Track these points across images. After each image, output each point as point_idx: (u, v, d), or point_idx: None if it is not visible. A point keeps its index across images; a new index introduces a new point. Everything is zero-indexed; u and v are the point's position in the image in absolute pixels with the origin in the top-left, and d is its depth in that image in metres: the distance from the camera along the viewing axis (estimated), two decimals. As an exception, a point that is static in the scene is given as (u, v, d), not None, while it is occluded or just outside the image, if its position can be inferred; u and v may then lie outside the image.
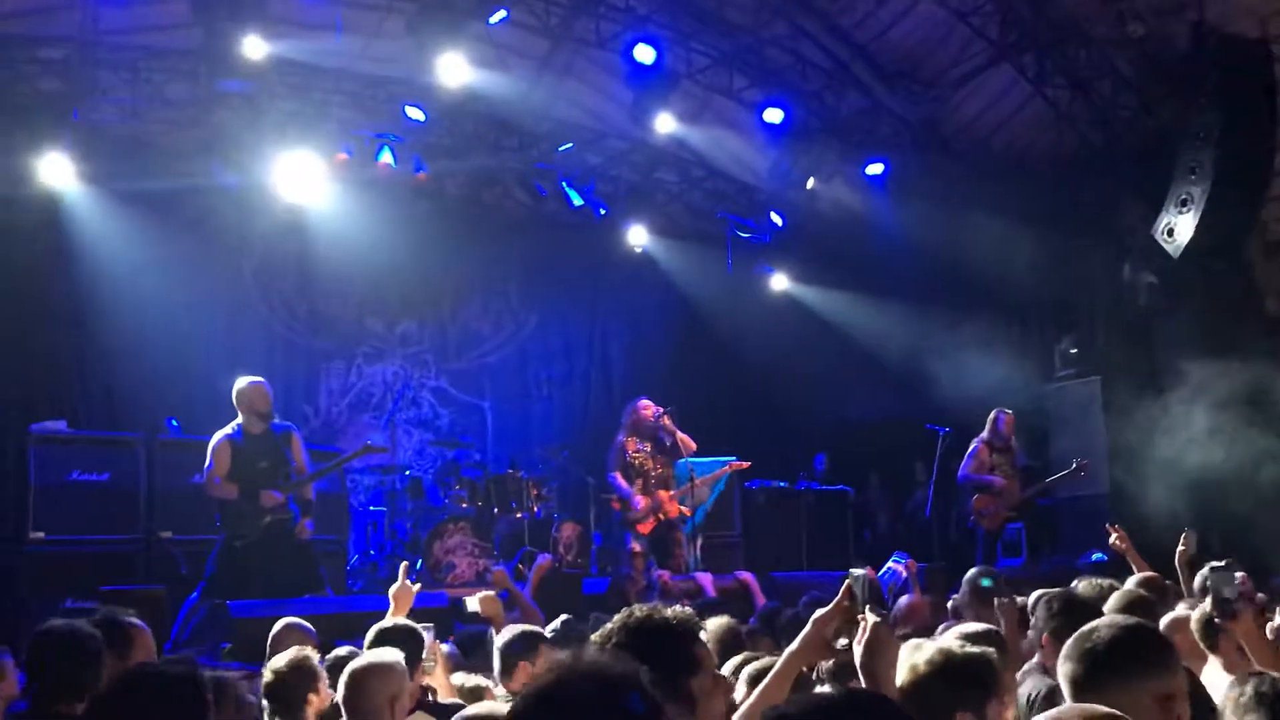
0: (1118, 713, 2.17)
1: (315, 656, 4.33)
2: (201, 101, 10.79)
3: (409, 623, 4.78)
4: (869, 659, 2.57)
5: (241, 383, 8.47)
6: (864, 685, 2.58)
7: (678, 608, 2.62)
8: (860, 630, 2.63)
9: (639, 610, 2.59)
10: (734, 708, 2.84)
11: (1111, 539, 7.04)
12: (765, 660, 3.33)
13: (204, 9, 8.91)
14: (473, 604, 5.58)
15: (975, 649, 2.90)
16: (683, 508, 9.87)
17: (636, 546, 9.56)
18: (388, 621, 4.77)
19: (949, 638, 3.11)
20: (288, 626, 5.43)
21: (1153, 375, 10.31)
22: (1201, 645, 4.12)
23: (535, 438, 13.61)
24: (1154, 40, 10.60)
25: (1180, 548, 6.66)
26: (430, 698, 4.53)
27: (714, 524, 11.35)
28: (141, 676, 2.92)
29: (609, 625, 2.57)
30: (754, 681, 2.97)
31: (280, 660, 4.25)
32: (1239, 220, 10.42)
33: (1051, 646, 3.67)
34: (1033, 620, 4.31)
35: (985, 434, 10.82)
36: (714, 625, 4.50)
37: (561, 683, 1.83)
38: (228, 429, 8.33)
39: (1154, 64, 10.86)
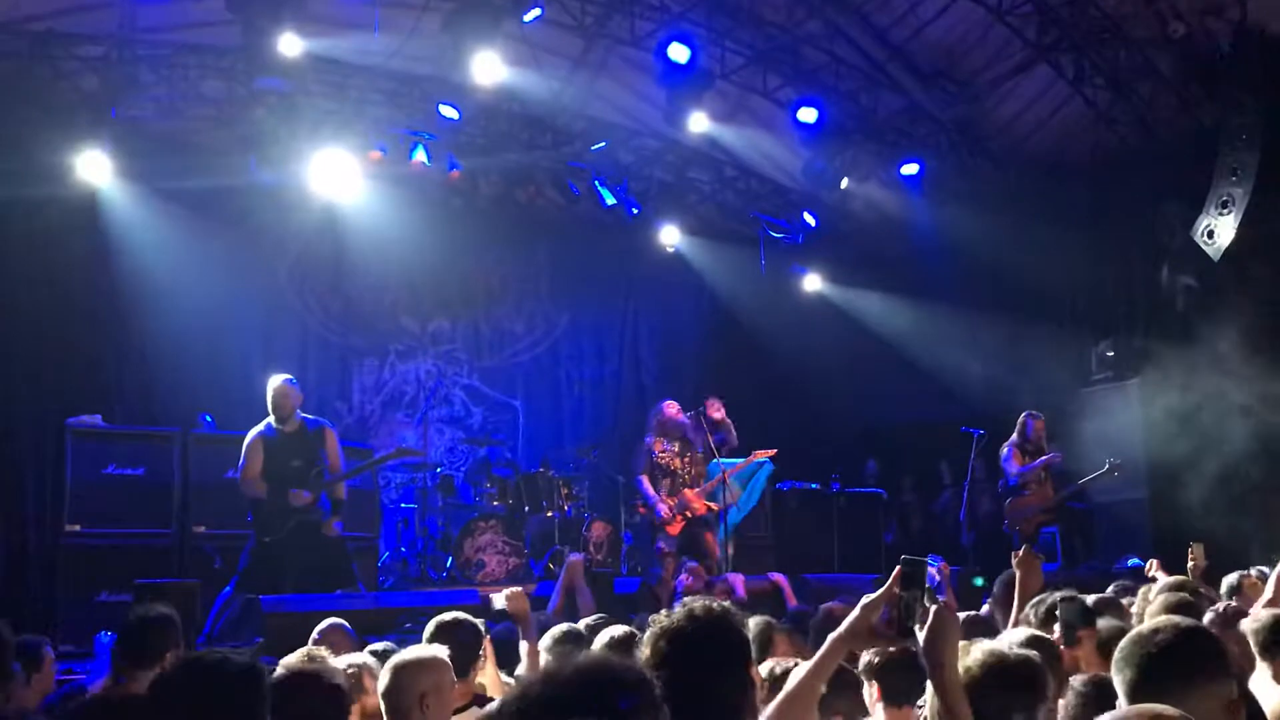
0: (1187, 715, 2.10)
1: (358, 661, 4.26)
2: (239, 99, 10.85)
3: (468, 617, 4.66)
4: (933, 645, 2.56)
5: (272, 381, 8.57)
6: (927, 672, 2.57)
7: (720, 601, 2.65)
8: (922, 617, 2.62)
9: (697, 603, 2.66)
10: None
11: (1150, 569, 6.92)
12: (789, 661, 3.34)
13: (241, 6, 8.93)
14: (499, 601, 5.54)
15: (1026, 652, 2.88)
16: (710, 504, 9.82)
17: (666, 548, 9.53)
18: (447, 616, 4.68)
19: (999, 642, 3.08)
20: (331, 627, 5.43)
21: (1191, 378, 10.16)
22: (1256, 653, 4.02)
23: (567, 437, 13.65)
24: (1195, 40, 10.45)
25: (1190, 562, 6.61)
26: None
27: (746, 525, 11.31)
28: (204, 664, 2.92)
29: (674, 619, 2.62)
30: (774, 680, 3.00)
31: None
32: (1280, 222, 10.28)
33: None
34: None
35: (1015, 438, 10.78)
36: (752, 623, 4.47)
37: (551, 681, 1.85)
38: (261, 426, 8.39)
39: (1195, 64, 10.71)
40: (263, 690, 2.93)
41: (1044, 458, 10.68)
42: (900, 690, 3.41)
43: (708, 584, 8.77)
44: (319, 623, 5.54)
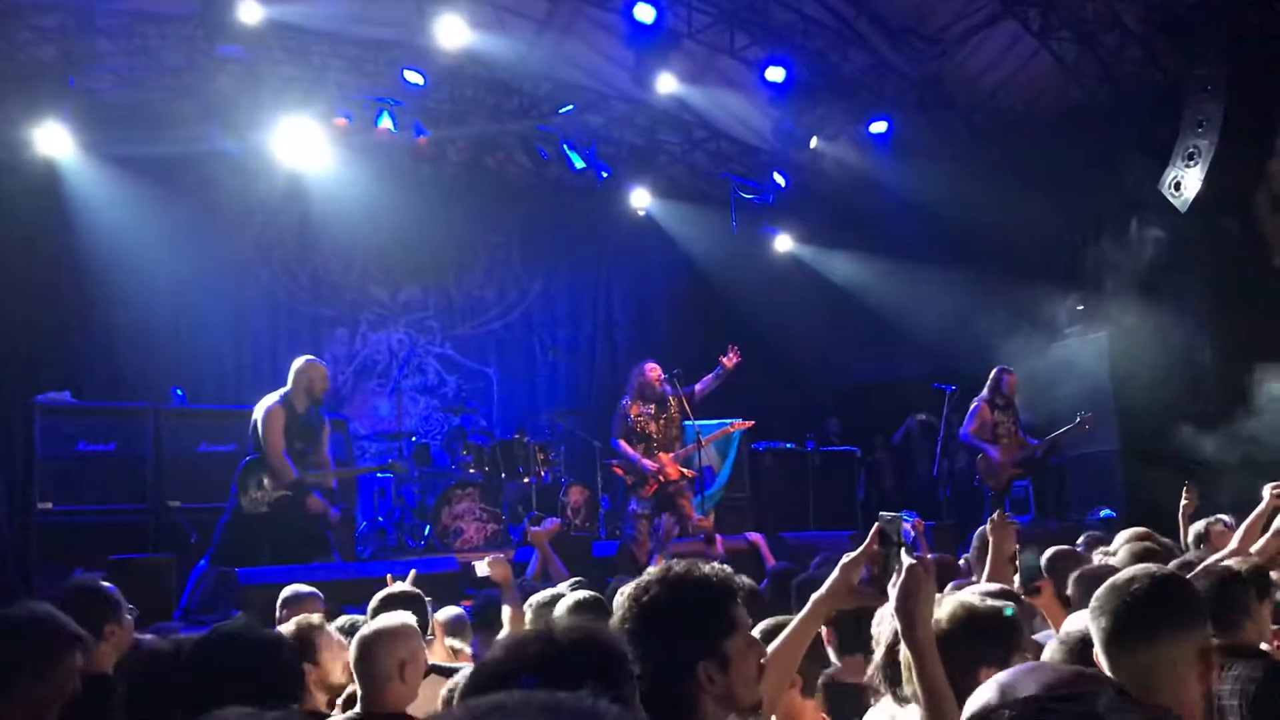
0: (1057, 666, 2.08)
1: (320, 623, 4.27)
2: (199, 67, 10.70)
3: (413, 589, 4.81)
4: (906, 601, 2.54)
5: (303, 361, 8.44)
6: (900, 628, 2.55)
7: (717, 565, 2.51)
8: (896, 573, 2.59)
9: (677, 565, 2.48)
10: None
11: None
12: (780, 618, 3.32)
13: (200, -27, 8.81)
14: (482, 568, 5.58)
15: (997, 603, 2.88)
16: (685, 470, 9.82)
17: (640, 510, 9.55)
18: (392, 588, 4.80)
19: (969, 594, 3.09)
20: (296, 593, 5.45)
21: (1160, 330, 10.24)
22: None
23: (542, 403, 13.64)
24: (1161, -9, 10.46)
25: (1184, 502, 6.65)
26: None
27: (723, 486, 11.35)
28: (231, 638, 2.88)
29: (644, 579, 2.46)
30: (767, 637, 2.94)
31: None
32: (1246, 174, 10.33)
33: None
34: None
35: (986, 393, 10.73)
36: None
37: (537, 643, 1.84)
38: (275, 396, 8.26)
39: (1161, 16, 10.71)
40: (297, 663, 2.91)
41: (987, 448, 10.56)
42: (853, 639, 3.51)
43: (709, 538, 8.83)
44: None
